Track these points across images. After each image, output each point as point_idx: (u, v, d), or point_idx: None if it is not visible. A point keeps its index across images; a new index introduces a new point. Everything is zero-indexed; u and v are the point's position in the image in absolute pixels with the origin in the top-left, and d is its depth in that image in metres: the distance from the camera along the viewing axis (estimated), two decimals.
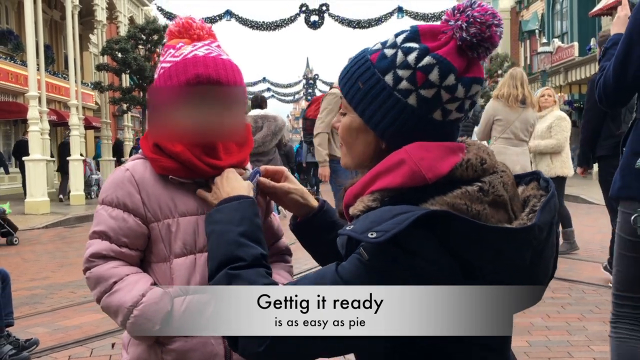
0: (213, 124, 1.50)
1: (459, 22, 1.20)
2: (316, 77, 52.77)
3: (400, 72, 1.21)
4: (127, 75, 23.73)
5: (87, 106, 26.08)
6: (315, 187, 16.50)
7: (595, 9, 22.19)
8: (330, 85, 7.06)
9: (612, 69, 2.36)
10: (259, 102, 7.38)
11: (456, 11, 1.22)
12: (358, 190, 1.27)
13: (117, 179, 1.54)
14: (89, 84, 25.34)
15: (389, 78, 1.22)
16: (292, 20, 28.08)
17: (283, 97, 50.90)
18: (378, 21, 28.23)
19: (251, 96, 7.56)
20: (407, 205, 1.13)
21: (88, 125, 25.13)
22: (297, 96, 54.52)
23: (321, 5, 28.06)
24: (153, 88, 1.57)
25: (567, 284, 5.83)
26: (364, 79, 1.25)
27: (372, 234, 1.07)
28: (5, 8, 22.00)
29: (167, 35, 1.63)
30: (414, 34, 1.25)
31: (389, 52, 1.24)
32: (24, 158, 14.50)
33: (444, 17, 1.25)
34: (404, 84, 1.21)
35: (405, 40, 1.24)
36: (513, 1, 34.39)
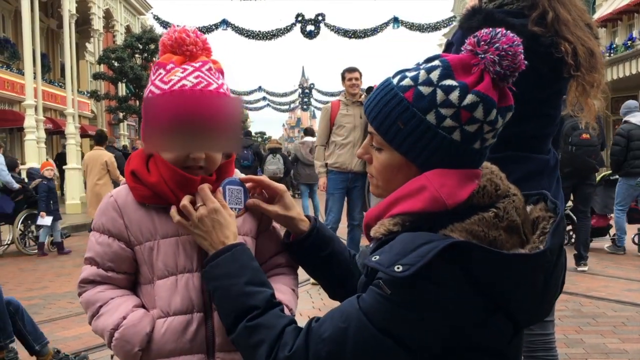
0: (195, 154, 1.51)
1: (491, 56, 1.24)
2: (312, 86, 52.75)
3: (443, 111, 1.24)
4: (124, 84, 23.78)
5: (83, 114, 26.04)
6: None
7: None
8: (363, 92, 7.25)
9: None
10: (311, 132, 10.75)
11: (482, 42, 1.26)
12: (379, 212, 1.32)
13: (103, 205, 1.59)
14: (85, 93, 25.34)
15: (431, 117, 1.24)
16: (288, 29, 28.16)
17: (278, 106, 50.87)
18: (374, 31, 28.33)
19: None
20: (428, 232, 1.18)
21: (84, 134, 25.11)
22: (292, 105, 54.54)
23: (317, 15, 28.16)
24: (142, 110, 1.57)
25: (564, 296, 5.85)
26: (404, 119, 1.27)
27: (398, 268, 1.11)
28: (2, 16, 22.00)
29: (160, 46, 1.60)
30: (447, 70, 1.26)
31: (425, 90, 1.26)
32: (64, 167, 16.47)
33: (467, 47, 1.28)
34: (448, 122, 1.24)
35: (441, 77, 1.26)
36: None
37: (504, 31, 1.26)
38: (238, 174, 1.68)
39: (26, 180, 10.89)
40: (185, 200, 1.46)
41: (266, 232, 1.70)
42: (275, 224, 1.71)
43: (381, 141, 1.33)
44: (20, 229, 10.09)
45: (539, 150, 2.37)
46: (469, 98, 1.22)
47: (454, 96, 1.23)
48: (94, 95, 22.93)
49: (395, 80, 1.32)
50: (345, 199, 6.98)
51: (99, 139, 10.89)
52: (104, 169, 10.06)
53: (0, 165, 9.52)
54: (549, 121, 2.37)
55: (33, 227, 10.29)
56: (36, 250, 10.01)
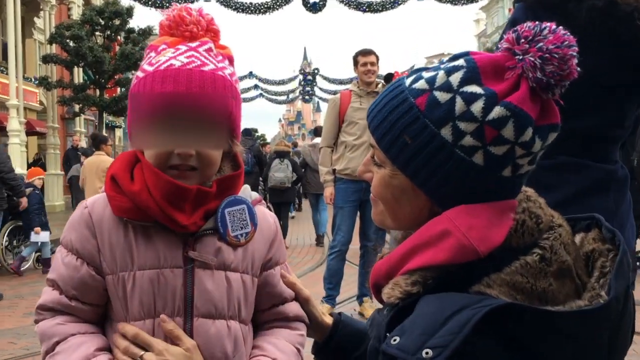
0: (181, 148, 1.50)
1: (531, 58, 1.18)
2: (316, 72, 52.70)
3: (462, 125, 1.19)
4: (81, 69, 23.84)
5: (30, 107, 26.11)
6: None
7: None
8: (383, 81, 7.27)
9: None
10: (320, 132, 9.67)
11: (522, 39, 1.21)
12: (391, 266, 1.28)
13: (75, 217, 1.58)
14: (33, 80, 25.41)
15: (446, 132, 1.20)
16: (286, 1, 28.25)
17: (274, 97, 50.89)
18: (394, 3, 28.26)
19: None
20: (457, 293, 1.14)
21: (30, 131, 25.15)
22: (291, 95, 54.55)
23: None
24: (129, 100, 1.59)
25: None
26: (412, 132, 1.23)
27: (427, 353, 1.04)
28: None
29: (159, 29, 1.63)
30: (472, 73, 1.21)
31: (442, 96, 1.22)
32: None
33: (504, 45, 1.23)
34: (467, 140, 1.19)
35: (463, 82, 1.21)
36: None
37: (553, 27, 1.20)
38: (247, 191, 1.67)
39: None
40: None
41: (272, 271, 1.69)
42: (285, 265, 1.72)
43: (383, 157, 1.31)
44: (2, 244, 10.48)
45: (603, 157, 2.30)
46: (497, 111, 1.18)
47: (477, 107, 1.18)
48: (44, 82, 22.95)
49: (408, 82, 1.29)
50: (358, 214, 6.94)
51: (95, 143, 11.21)
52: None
53: None
54: (617, 119, 2.31)
55: (15, 242, 10.81)
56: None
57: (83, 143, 25.14)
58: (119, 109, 23.87)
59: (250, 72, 47.49)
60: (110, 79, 23.13)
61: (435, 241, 1.19)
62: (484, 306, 1.07)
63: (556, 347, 1.10)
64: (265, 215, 1.70)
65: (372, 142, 1.34)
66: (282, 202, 12.99)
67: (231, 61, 1.60)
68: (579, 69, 1.20)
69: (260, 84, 48.45)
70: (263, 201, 1.75)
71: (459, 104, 1.19)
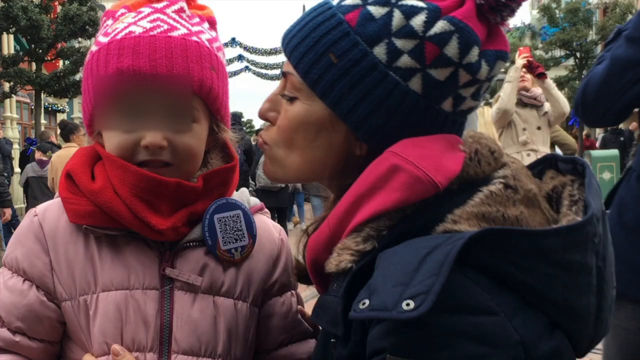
0: (149, 137, 1.52)
1: None
2: None
3: (398, 43, 1.31)
4: (12, 36, 23.72)
5: None
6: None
7: None
8: None
9: (599, 76, 2.54)
10: None
11: None
12: (333, 230, 1.34)
13: (22, 229, 1.63)
14: None
15: (380, 50, 1.32)
16: None
17: (264, 71, 50.39)
18: None
19: None
20: (420, 238, 1.21)
21: None
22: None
23: None
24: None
25: None
26: (339, 49, 1.33)
27: (408, 305, 1.08)
28: None
29: None
30: None
31: (377, 10, 1.33)
32: None
33: None
34: (404, 60, 1.31)
35: None
36: None
37: None
38: (244, 194, 1.73)
39: None
40: None
41: (279, 298, 1.73)
42: (291, 296, 1.76)
43: (299, 84, 1.39)
44: None
45: None
46: (440, 25, 1.30)
47: (418, 21, 1.30)
48: None
49: (335, 0, 1.42)
50: None
51: (64, 133, 11.19)
52: None
53: None
54: None
55: None
56: None
57: (15, 133, 25.09)
58: (62, 88, 23.70)
59: (233, 39, 46.86)
60: (50, 48, 23.13)
61: (382, 182, 1.27)
62: (459, 238, 1.15)
63: (545, 272, 1.20)
64: (268, 225, 1.74)
65: (286, 68, 1.43)
66: (276, 207, 12.97)
67: (212, 24, 1.68)
68: None
69: (246, 54, 47.86)
70: (267, 210, 1.81)
71: (397, 17, 1.32)
